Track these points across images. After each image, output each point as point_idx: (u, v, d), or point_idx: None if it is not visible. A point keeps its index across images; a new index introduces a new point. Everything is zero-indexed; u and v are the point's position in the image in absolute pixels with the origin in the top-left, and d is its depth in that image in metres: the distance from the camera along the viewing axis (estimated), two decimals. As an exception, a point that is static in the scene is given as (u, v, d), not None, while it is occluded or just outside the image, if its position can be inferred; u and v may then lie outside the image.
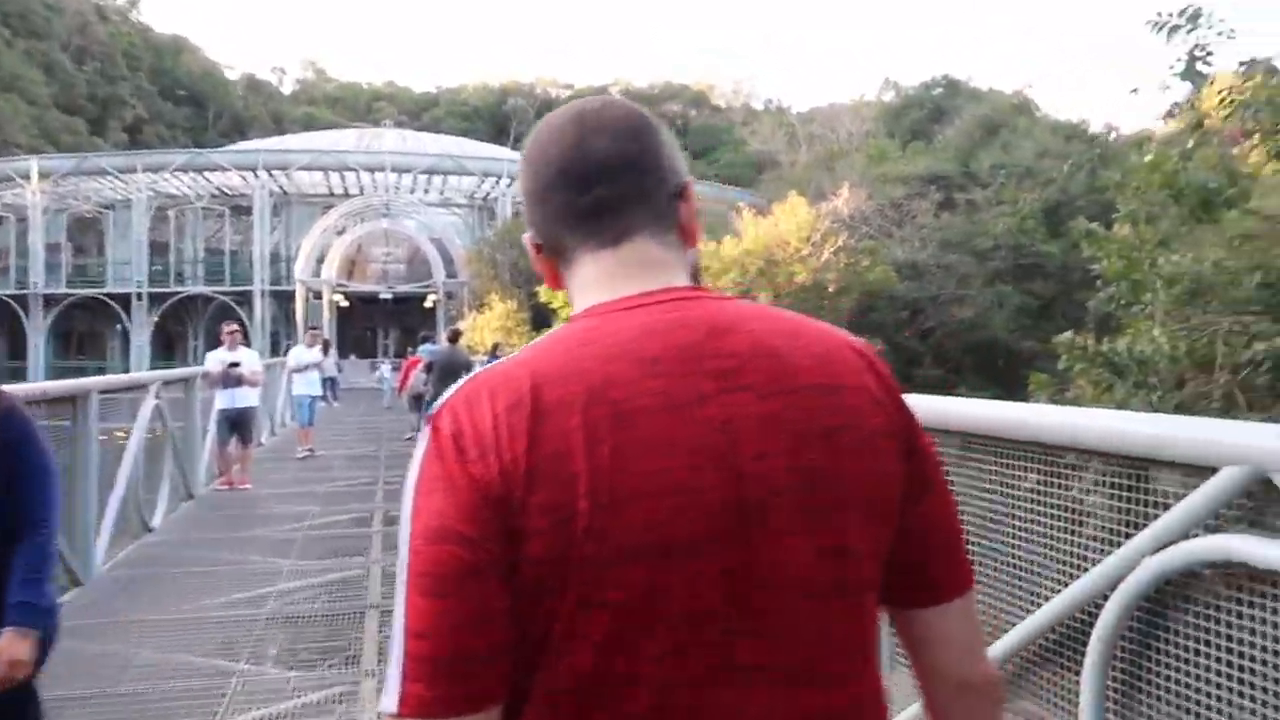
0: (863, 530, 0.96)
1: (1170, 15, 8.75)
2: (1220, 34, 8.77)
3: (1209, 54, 8.73)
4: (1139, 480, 2.16)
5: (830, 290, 29.08)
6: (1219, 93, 9.50)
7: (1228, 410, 8.86)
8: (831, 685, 0.96)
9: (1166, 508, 2.04)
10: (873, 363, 1.02)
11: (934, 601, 1.05)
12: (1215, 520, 1.95)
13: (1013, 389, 40.85)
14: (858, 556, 0.96)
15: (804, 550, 0.93)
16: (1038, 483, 2.48)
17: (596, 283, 1.02)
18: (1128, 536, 2.14)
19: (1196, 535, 1.98)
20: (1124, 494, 2.19)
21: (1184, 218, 9.72)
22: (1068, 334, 9.22)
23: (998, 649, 2.38)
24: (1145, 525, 2.10)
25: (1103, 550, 2.24)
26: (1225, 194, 9.58)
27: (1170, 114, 11.45)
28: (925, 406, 2.00)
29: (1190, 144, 9.71)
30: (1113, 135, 45.56)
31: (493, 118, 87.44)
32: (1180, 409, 10.15)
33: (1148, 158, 10.28)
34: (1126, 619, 2.13)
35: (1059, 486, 2.42)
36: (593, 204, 1.02)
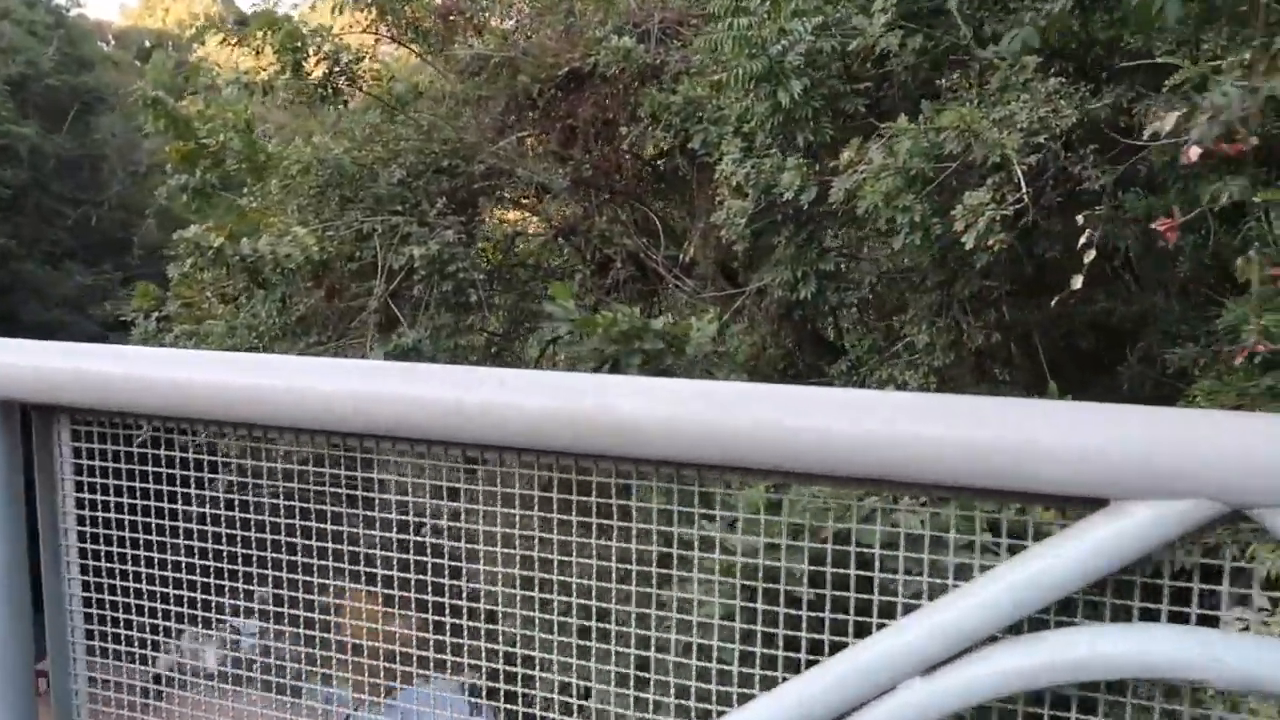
0: None
1: None
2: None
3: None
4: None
5: None
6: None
7: (387, 324, 7.93)
8: None
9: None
10: None
11: None
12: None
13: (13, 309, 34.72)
14: None
15: None
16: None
17: None
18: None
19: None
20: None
21: (312, 95, 8.22)
22: (193, 229, 6.93)
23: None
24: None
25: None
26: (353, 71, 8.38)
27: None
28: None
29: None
30: (75, 12, 41.92)
31: None
32: (303, 323, 8.86)
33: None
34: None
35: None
36: None
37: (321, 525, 1.59)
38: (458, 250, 7.44)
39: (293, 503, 1.62)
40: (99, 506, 1.68)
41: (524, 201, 8.93)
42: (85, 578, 1.73)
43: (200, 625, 1.70)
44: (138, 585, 1.71)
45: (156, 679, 1.93)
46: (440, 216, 7.88)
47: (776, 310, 8.43)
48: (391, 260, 7.54)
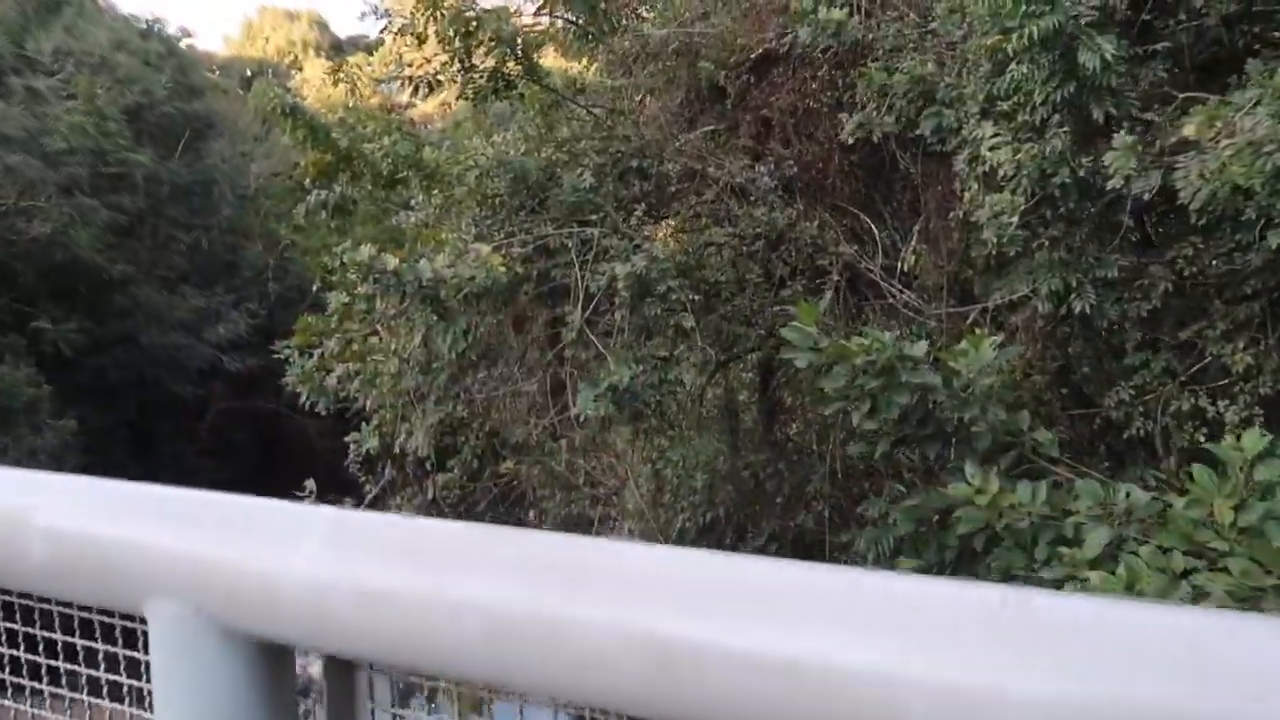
0: None
1: None
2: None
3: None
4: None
5: None
6: None
7: (576, 356, 6.65)
8: None
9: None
10: None
11: None
12: None
13: (105, 318, 35.49)
14: None
15: None
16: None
17: None
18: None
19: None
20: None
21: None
22: (366, 248, 5.80)
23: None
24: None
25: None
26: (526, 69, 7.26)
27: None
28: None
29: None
30: (185, 42, 42.82)
31: None
32: (472, 358, 7.55)
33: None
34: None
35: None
36: None
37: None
38: (667, 267, 6.14)
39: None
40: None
41: (716, 205, 7.62)
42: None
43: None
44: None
45: None
46: (639, 226, 6.60)
47: (1042, 328, 6.90)
48: (588, 280, 6.30)
